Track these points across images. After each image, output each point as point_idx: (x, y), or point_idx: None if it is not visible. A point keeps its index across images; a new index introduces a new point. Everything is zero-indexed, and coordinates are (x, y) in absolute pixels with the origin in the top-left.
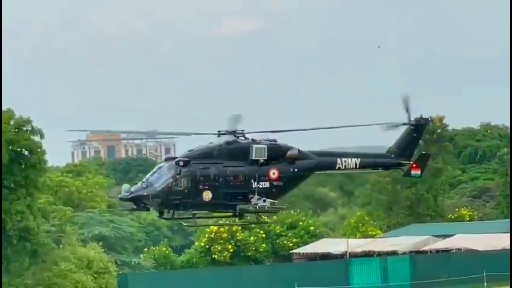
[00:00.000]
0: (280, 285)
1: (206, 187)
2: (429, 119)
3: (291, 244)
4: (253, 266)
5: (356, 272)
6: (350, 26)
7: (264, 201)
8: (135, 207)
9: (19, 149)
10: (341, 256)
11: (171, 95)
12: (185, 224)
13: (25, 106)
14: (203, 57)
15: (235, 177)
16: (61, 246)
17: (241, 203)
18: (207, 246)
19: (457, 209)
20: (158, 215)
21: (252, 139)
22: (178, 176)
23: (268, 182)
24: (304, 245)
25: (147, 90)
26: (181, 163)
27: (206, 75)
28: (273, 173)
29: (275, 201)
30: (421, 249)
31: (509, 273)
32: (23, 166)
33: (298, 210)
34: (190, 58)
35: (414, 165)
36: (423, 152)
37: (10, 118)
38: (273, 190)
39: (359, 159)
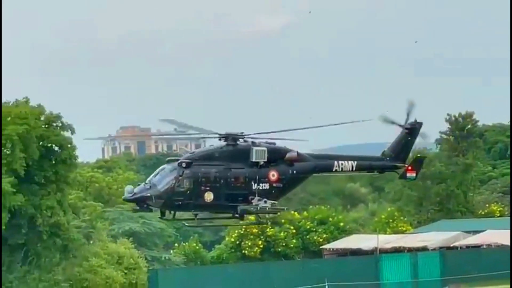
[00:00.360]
0: (310, 280)
1: (208, 188)
2: (421, 123)
3: (321, 240)
4: (283, 262)
5: (386, 268)
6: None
7: (265, 202)
8: (137, 207)
9: (49, 145)
10: (371, 252)
11: (202, 91)
12: (187, 224)
13: (56, 102)
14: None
15: (236, 178)
16: (91, 241)
17: (241, 204)
18: (237, 242)
19: (487, 205)
20: (159, 216)
21: (252, 142)
22: (180, 178)
23: (268, 184)
24: (334, 240)
25: (177, 86)
26: (184, 165)
27: (234, 73)
28: (273, 174)
29: (276, 202)
30: (451, 245)
31: None
32: (54, 162)
33: (328, 206)
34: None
35: (410, 168)
36: (418, 155)
37: (41, 114)
38: (273, 191)
39: (355, 162)
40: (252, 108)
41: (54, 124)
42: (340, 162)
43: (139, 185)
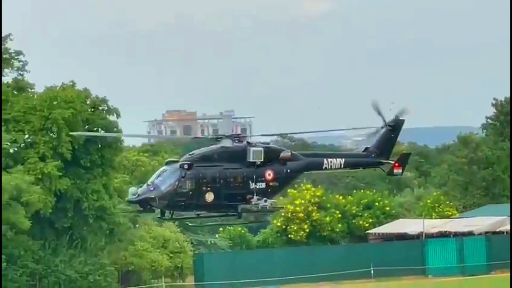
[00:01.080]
0: (356, 265)
1: (209, 188)
2: (403, 120)
3: (367, 225)
4: (329, 246)
5: (432, 252)
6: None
7: (266, 201)
8: (141, 209)
9: (95, 129)
10: (417, 236)
11: (247, 76)
12: (191, 224)
13: (102, 86)
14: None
15: (235, 178)
16: (137, 225)
17: (240, 203)
18: (283, 226)
19: None
20: (159, 215)
21: (248, 142)
22: (182, 179)
23: (264, 183)
24: (380, 225)
25: (221, 71)
26: (185, 166)
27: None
28: (269, 174)
29: (275, 201)
30: (497, 230)
31: None
32: (99, 146)
33: (374, 191)
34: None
35: (396, 165)
36: (404, 152)
37: (87, 98)
38: (269, 190)
39: (343, 159)
40: (297, 89)
41: (100, 108)
42: (329, 159)
43: (141, 187)
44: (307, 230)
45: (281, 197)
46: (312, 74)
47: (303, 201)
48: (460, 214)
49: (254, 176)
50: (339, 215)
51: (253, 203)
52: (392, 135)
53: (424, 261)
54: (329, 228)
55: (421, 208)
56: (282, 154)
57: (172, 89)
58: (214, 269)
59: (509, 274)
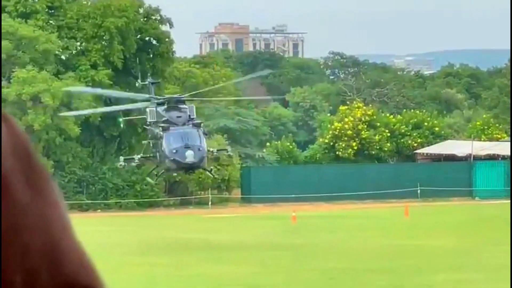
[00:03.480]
0: (403, 184)
1: None
2: None
3: (415, 144)
4: (376, 165)
5: (479, 174)
6: None
7: None
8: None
9: (147, 38)
10: (465, 158)
11: None
12: None
13: None
14: None
15: None
16: None
17: None
18: (331, 143)
19: None
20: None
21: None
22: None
23: None
24: (428, 145)
25: None
26: None
27: None
28: None
29: None
30: None
31: None
32: (151, 56)
33: (424, 111)
34: None
35: None
36: None
37: (140, 7)
38: None
39: None
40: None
41: (153, 18)
42: None
43: None
44: (355, 148)
45: (329, 114)
46: None
47: (352, 119)
48: (509, 137)
49: None
50: (388, 134)
51: None
52: None
53: (472, 183)
54: (378, 147)
55: (470, 130)
56: None
57: (225, 1)
58: (260, 183)
59: None
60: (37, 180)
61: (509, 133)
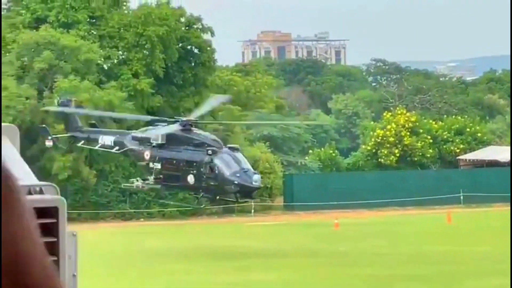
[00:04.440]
0: (446, 190)
1: None
2: None
3: (457, 150)
4: (419, 171)
5: None
6: None
7: None
8: None
9: (188, 47)
10: (508, 164)
11: None
12: None
13: (197, 4)
14: None
15: None
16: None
17: None
18: (373, 150)
19: None
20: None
21: None
22: None
23: None
24: (471, 151)
25: None
26: None
27: None
28: None
29: None
30: None
31: None
32: (192, 64)
33: (466, 116)
34: None
35: None
36: None
37: (181, 16)
38: None
39: None
40: None
41: (195, 26)
42: None
43: None
44: (398, 155)
45: (371, 121)
46: None
47: (395, 126)
48: None
49: None
50: (430, 140)
51: None
52: None
53: None
54: (420, 153)
55: None
56: None
57: (267, 9)
58: (303, 190)
59: None
60: (4, 192)
61: None
